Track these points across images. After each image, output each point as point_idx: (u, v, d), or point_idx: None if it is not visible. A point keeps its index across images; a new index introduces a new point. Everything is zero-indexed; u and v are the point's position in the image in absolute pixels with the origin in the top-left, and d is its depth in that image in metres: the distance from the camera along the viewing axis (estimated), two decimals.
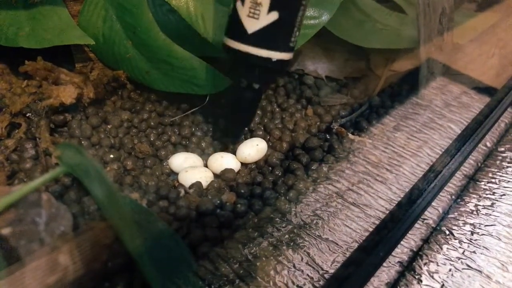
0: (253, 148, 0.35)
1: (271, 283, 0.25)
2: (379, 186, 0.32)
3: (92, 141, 0.34)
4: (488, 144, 0.39)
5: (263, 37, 0.29)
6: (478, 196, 0.34)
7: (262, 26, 0.28)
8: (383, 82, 0.44)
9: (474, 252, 0.29)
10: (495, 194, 0.34)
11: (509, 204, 0.33)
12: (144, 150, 0.34)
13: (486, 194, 0.34)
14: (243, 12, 0.28)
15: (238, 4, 0.29)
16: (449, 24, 0.42)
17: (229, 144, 0.35)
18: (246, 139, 0.36)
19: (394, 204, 0.26)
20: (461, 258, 0.29)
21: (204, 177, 0.32)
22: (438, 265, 0.28)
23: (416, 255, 0.29)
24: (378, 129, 0.38)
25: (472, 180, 0.36)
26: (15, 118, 0.33)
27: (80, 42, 0.35)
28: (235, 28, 0.29)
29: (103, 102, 0.38)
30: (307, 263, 0.26)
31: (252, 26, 0.28)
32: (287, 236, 0.28)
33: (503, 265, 0.28)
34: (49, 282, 0.21)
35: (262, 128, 0.38)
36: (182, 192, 0.31)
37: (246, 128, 0.35)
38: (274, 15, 0.28)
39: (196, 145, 0.37)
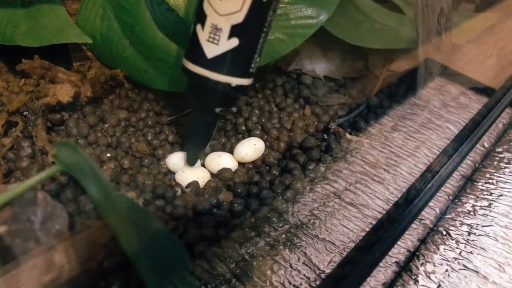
0: (251, 148, 0.34)
1: (268, 283, 0.25)
2: (376, 186, 0.32)
3: (89, 140, 0.34)
4: (486, 145, 0.39)
5: (222, 63, 0.28)
6: (475, 197, 0.34)
7: (222, 51, 0.28)
8: (381, 82, 0.44)
9: (471, 252, 0.29)
10: (492, 194, 0.34)
11: (506, 204, 0.33)
12: (141, 149, 0.34)
13: (484, 195, 0.34)
14: (202, 36, 0.28)
15: (198, 27, 0.28)
16: (447, 25, 0.42)
17: (188, 161, 0.34)
18: (243, 138, 0.36)
19: (391, 204, 0.26)
20: (458, 259, 0.29)
21: (201, 176, 0.32)
22: (434, 266, 0.28)
23: (413, 255, 0.29)
24: (376, 129, 0.38)
25: (469, 180, 0.36)
26: (12, 116, 0.33)
27: (78, 41, 0.35)
28: (194, 51, 0.29)
29: (101, 101, 0.38)
30: (304, 263, 0.26)
31: (211, 51, 0.28)
32: (284, 235, 0.28)
33: (500, 265, 0.28)
34: (45, 281, 0.21)
35: (260, 128, 0.38)
36: (179, 191, 0.31)
37: (200, 149, 0.35)
38: (235, 42, 0.28)
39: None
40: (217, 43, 0.28)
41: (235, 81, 0.29)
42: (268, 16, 0.28)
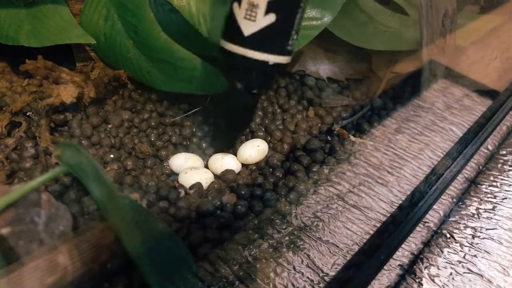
0: (254, 149, 0.34)
1: (271, 285, 0.25)
2: (380, 188, 0.32)
3: (93, 141, 0.34)
4: (490, 147, 0.39)
5: (260, 40, 0.28)
6: (479, 200, 0.34)
7: (259, 28, 0.28)
8: (385, 84, 0.43)
9: (475, 256, 0.29)
10: (496, 197, 0.34)
11: (510, 207, 0.33)
12: (145, 150, 0.34)
13: (488, 198, 0.34)
14: (239, 14, 0.28)
15: (235, 5, 0.28)
16: (452, 26, 0.42)
17: (225, 149, 0.35)
18: (247, 140, 0.36)
19: (395, 207, 0.26)
20: (462, 262, 0.29)
21: (205, 178, 0.32)
22: (439, 269, 0.28)
23: (417, 258, 0.29)
24: (380, 131, 0.38)
25: (473, 183, 0.35)
26: (16, 117, 0.33)
27: (81, 41, 0.35)
28: (231, 30, 0.29)
29: (104, 101, 0.38)
30: (307, 265, 0.26)
31: (248, 28, 0.28)
32: (287, 238, 0.28)
33: (504, 269, 0.28)
34: (48, 282, 0.21)
35: (263, 129, 0.38)
36: (182, 192, 0.31)
37: (242, 133, 0.34)
38: (271, 17, 0.27)
39: (196, 146, 0.36)
40: (254, 19, 0.27)
41: (272, 58, 0.29)
42: None
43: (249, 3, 0.27)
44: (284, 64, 0.30)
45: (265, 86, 0.32)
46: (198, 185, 0.31)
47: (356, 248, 0.28)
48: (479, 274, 0.28)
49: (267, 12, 0.27)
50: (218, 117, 0.36)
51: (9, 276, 0.20)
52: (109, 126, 0.36)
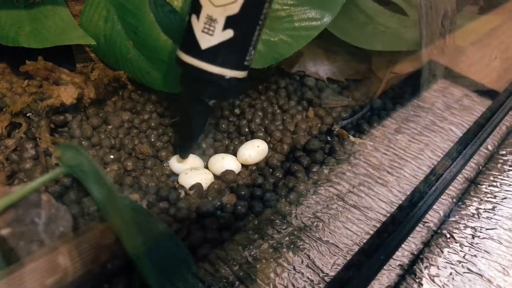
0: (254, 150, 0.34)
1: (271, 286, 0.25)
2: (380, 188, 0.32)
3: (93, 142, 0.34)
4: (490, 147, 0.39)
5: (217, 54, 0.28)
6: (479, 200, 0.34)
7: (217, 43, 0.28)
8: (384, 84, 0.44)
9: (475, 255, 0.29)
10: (496, 197, 0.34)
11: (510, 207, 0.33)
12: (145, 151, 0.34)
13: (487, 198, 0.34)
14: (197, 27, 0.28)
15: (193, 18, 0.28)
16: (451, 27, 0.42)
17: (180, 153, 0.34)
18: (247, 140, 0.36)
19: (395, 207, 0.26)
20: (462, 262, 0.29)
21: (205, 178, 0.32)
22: (439, 269, 0.28)
23: (417, 258, 0.29)
24: (379, 132, 0.38)
25: (473, 183, 0.35)
26: (16, 118, 0.33)
27: (81, 42, 0.35)
28: (188, 42, 0.29)
29: (104, 102, 0.38)
30: (307, 265, 0.26)
31: (206, 42, 0.28)
32: (287, 238, 0.28)
33: (504, 269, 0.28)
34: (48, 283, 0.21)
35: (263, 130, 0.38)
36: (183, 193, 0.31)
37: (193, 141, 0.34)
38: (229, 33, 0.27)
39: (196, 146, 0.36)
40: (212, 34, 0.28)
41: (229, 73, 0.29)
42: (263, 9, 0.28)
43: (208, 17, 0.27)
44: (240, 78, 0.30)
45: (221, 98, 0.32)
46: (198, 186, 0.31)
47: (356, 248, 0.28)
48: (479, 274, 0.28)
49: (226, 27, 0.27)
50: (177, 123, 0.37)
51: (9, 277, 0.20)
52: (109, 127, 0.36)
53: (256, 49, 0.30)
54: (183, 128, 0.34)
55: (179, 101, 0.37)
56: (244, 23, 0.28)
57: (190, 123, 0.32)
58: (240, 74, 0.30)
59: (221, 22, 0.27)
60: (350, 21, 0.44)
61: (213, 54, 0.28)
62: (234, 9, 0.27)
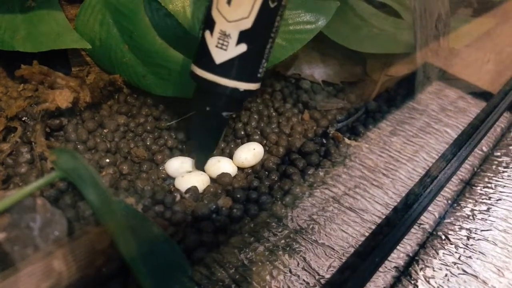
0: (250, 152, 0.34)
1: None
2: (375, 190, 0.32)
3: (88, 145, 0.34)
4: (484, 149, 0.39)
5: (231, 68, 0.29)
6: (474, 201, 0.34)
7: (230, 57, 0.28)
8: (379, 86, 0.44)
9: (470, 257, 0.29)
10: (491, 199, 0.34)
11: (505, 209, 0.33)
12: (140, 154, 0.34)
13: (482, 199, 0.34)
14: (211, 42, 0.28)
15: (207, 33, 0.29)
16: (445, 29, 0.43)
17: (197, 165, 0.35)
18: (242, 143, 0.36)
19: (390, 209, 0.26)
20: (457, 263, 0.29)
21: (201, 181, 0.32)
22: (434, 270, 0.28)
23: (412, 260, 0.29)
24: (375, 134, 0.38)
25: (468, 185, 0.36)
26: (11, 122, 0.32)
27: (77, 46, 0.35)
28: (203, 57, 0.29)
29: (99, 106, 0.38)
30: (303, 268, 0.26)
31: (220, 56, 0.28)
32: (283, 241, 0.28)
33: (499, 270, 0.28)
34: None
35: (259, 133, 0.38)
36: (178, 196, 0.31)
37: (210, 152, 0.35)
38: (243, 47, 0.28)
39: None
40: (225, 48, 0.28)
41: (243, 86, 0.29)
42: (275, 22, 0.28)
43: (221, 32, 0.28)
44: (254, 90, 0.30)
45: (235, 110, 0.33)
46: (193, 189, 0.31)
47: (352, 250, 0.28)
48: (474, 275, 0.28)
49: (239, 42, 0.28)
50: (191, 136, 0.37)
51: (4, 282, 0.20)
52: (104, 130, 0.36)
53: (268, 61, 0.30)
54: (199, 140, 0.34)
55: (192, 114, 0.37)
56: (257, 37, 0.28)
57: (206, 135, 0.33)
58: (253, 86, 0.30)
59: (234, 37, 0.28)
60: (345, 24, 0.44)
61: (228, 68, 0.29)
62: (247, 24, 0.27)
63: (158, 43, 0.35)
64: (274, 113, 0.40)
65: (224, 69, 0.29)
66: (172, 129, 0.38)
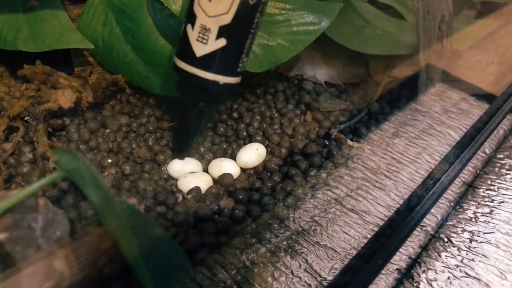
0: (253, 153, 0.34)
1: None
2: (377, 192, 0.32)
3: (90, 146, 0.34)
4: (487, 151, 0.39)
5: (210, 61, 0.30)
6: (476, 204, 0.34)
7: (210, 51, 0.29)
8: (382, 88, 0.44)
9: (472, 260, 0.29)
10: (494, 201, 0.34)
11: (507, 211, 0.33)
12: (143, 154, 0.34)
13: (485, 202, 0.34)
14: (192, 35, 0.29)
15: (188, 27, 0.30)
16: (449, 31, 0.42)
17: (177, 155, 0.36)
18: (245, 144, 0.36)
19: (393, 211, 0.26)
20: (460, 266, 0.29)
21: (204, 182, 0.32)
22: (436, 273, 0.28)
23: (415, 262, 0.29)
24: (377, 136, 0.38)
25: (470, 187, 0.35)
26: (13, 121, 0.33)
27: (79, 46, 0.35)
28: (184, 50, 0.30)
29: (102, 106, 0.38)
30: (305, 269, 0.26)
31: (200, 50, 0.29)
32: (285, 242, 0.28)
33: (501, 273, 0.28)
34: None
35: (261, 133, 0.38)
36: (180, 197, 0.31)
37: (187, 144, 0.36)
38: (222, 42, 0.29)
39: (195, 150, 0.36)
40: (206, 42, 0.29)
41: (222, 79, 0.30)
42: (255, 18, 0.29)
43: (202, 26, 0.29)
44: (234, 84, 0.31)
45: (215, 103, 0.35)
46: (196, 190, 0.31)
47: (354, 252, 0.28)
48: (477, 278, 0.28)
49: (219, 36, 0.29)
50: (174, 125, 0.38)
51: (5, 282, 0.20)
52: (107, 130, 0.36)
53: (249, 56, 0.31)
54: (180, 130, 0.35)
55: (178, 105, 0.37)
56: (236, 32, 0.29)
57: (186, 126, 0.34)
58: (233, 80, 0.31)
59: (214, 31, 0.29)
60: (348, 25, 0.44)
61: (208, 62, 0.30)
62: (227, 19, 0.28)
63: (161, 43, 0.35)
64: (276, 114, 0.40)
65: (204, 62, 0.30)
66: (174, 130, 0.38)
